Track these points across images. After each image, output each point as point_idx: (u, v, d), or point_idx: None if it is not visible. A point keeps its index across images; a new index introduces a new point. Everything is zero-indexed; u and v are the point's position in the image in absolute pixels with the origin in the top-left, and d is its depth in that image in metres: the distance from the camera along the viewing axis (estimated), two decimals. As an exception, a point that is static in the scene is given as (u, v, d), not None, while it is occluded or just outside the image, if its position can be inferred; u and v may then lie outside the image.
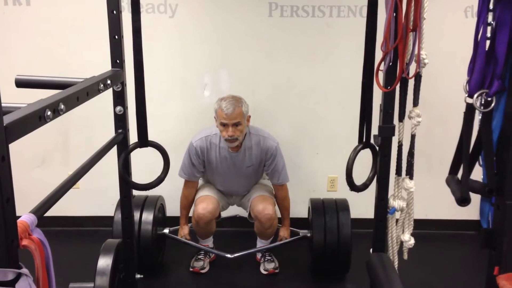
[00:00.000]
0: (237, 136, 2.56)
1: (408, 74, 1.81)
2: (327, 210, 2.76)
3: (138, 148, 2.15)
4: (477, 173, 1.26)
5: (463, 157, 1.24)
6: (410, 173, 1.97)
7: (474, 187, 1.20)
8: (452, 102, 2.64)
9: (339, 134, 3.24)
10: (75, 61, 3.09)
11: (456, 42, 2.93)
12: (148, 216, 2.76)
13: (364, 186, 2.06)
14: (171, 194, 3.00)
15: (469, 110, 1.22)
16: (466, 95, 1.22)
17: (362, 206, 2.73)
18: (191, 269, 2.86)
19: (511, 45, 1.10)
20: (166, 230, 2.88)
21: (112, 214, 2.72)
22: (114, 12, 1.98)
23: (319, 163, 3.32)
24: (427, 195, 3.15)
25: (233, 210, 3.20)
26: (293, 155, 3.24)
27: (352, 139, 2.09)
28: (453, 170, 1.31)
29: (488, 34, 1.16)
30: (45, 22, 3.06)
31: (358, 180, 2.04)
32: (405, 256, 2.07)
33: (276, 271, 2.85)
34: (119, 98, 2.08)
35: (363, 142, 2.02)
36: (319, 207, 2.81)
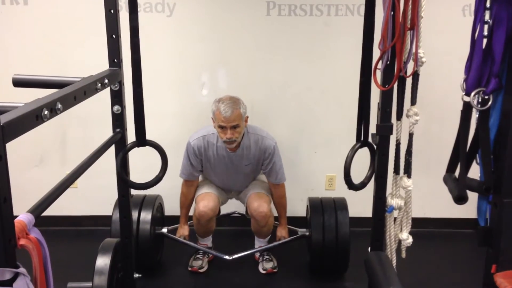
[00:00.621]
0: (236, 138, 2.56)
1: (405, 72, 1.81)
2: (325, 209, 2.77)
3: (136, 147, 2.15)
4: (475, 171, 1.26)
5: (460, 155, 1.25)
6: (408, 172, 1.97)
7: (471, 185, 1.20)
8: (450, 101, 2.64)
9: (337, 132, 3.24)
10: (72, 60, 3.09)
11: (454, 40, 2.93)
12: (146, 216, 2.75)
13: (362, 185, 2.06)
14: (169, 193, 3.00)
15: (466, 109, 1.23)
16: (463, 93, 1.22)
17: (360, 204, 2.73)
18: (189, 269, 2.86)
19: (507, 44, 1.11)
20: (165, 230, 2.88)
21: (110, 214, 2.72)
22: (112, 11, 1.98)
23: (317, 162, 3.33)
24: (425, 193, 3.16)
25: (231, 207, 3.20)
26: (291, 154, 3.24)
27: (350, 138, 2.09)
28: (450, 168, 1.31)
29: (485, 33, 1.16)
30: (43, 21, 3.06)
31: (356, 178, 2.04)
32: (403, 255, 2.07)
33: (275, 270, 2.85)
34: (117, 97, 2.08)
35: (361, 140, 2.03)
36: (317, 206, 2.81)
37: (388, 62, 1.83)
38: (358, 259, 2.37)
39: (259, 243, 2.92)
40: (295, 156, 3.28)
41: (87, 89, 1.51)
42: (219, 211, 2.91)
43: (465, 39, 1.25)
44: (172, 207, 3.06)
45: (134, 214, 2.69)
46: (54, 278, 1.11)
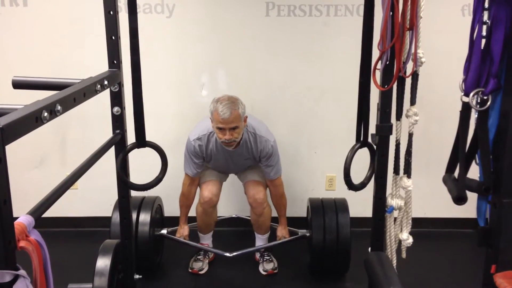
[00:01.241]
0: (235, 139, 2.53)
1: (405, 72, 1.81)
2: (326, 210, 2.77)
3: (136, 149, 2.15)
4: (474, 172, 1.26)
5: (459, 155, 1.25)
6: (408, 172, 1.97)
7: (471, 185, 1.20)
8: (449, 101, 2.64)
9: (336, 133, 3.24)
10: (72, 61, 3.09)
11: (453, 40, 2.93)
12: (145, 217, 2.74)
13: (362, 185, 2.06)
14: (169, 194, 3.00)
15: (465, 109, 1.23)
16: (462, 94, 1.22)
17: (360, 205, 2.74)
18: (189, 270, 2.85)
19: (506, 44, 1.11)
20: (164, 231, 2.87)
21: (110, 215, 2.72)
22: (111, 12, 1.98)
23: (317, 162, 3.33)
24: (425, 193, 3.16)
25: (231, 211, 3.20)
26: (291, 154, 3.24)
27: (349, 138, 2.09)
28: (450, 168, 1.31)
29: (484, 33, 1.16)
30: (42, 23, 3.06)
31: (356, 179, 2.04)
32: (404, 255, 2.07)
33: (275, 271, 2.85)
34: (117, 99, 2.08)
35: (361, 141, 2.03)
36: (318, 206, 2.81)
37: (388, 62, 1.83)
38: (358, 259, 2.37)
39: (260, 242, 2.93)
40: (295, 157, 3.28)
41: (86, 91, 1.51)
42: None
43: (464, 39, 1.25)
44: (172, 208, 3.06)
45: (133, 216, 2.67)
46: (54, 279, 1.11)
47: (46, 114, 1.15)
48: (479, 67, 1.16)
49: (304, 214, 3.08)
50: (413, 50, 1.76)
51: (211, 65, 3.18)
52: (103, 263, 2.07)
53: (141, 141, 2.13)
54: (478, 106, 1.18)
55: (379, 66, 1.86)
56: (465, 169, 1.24)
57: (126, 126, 2.15)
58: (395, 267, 2.01)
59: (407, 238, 2.02)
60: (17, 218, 1.04)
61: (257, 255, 2.95)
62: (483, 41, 1.16)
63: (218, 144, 2.66)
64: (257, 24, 3.10)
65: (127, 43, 2.00)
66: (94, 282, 2.02)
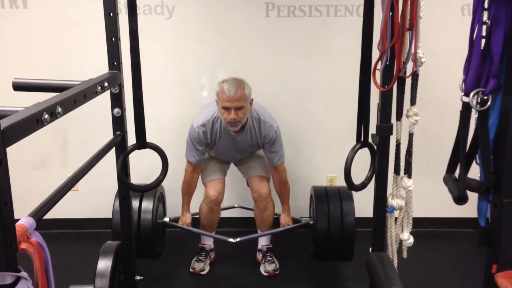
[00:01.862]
0: (240, 119, 2.50)
1: (405, 73, 1.81)
2: (330, 198, 2.75)
3: (137, 150, 2.15)
4: (475, 172, 1.26)
5: (460, 155, 1.25)
6: (408, 172, 1.97)
7: (471, 185, 1.21)
8: (449, 100, 2.64)
9: (337, 133, 3.24)
10: (72, 63, 3.09)
11: (453, 40, 2.93)
12: (148, 205, 2.74)
13: (363, 185, 2.06)
14: (169, 194, 3.00)
15: (465, 109, 1.23)
16: (462, 93, 1.22)
17: (361, 205, 2.73)
18: (191, 270, 2.86)
19: (506, 44, 1.11)
20: (167, 219, 2.88)
21: (111, 216, 2.72)
22: (111, 14, 1.98)
23: (318, 163, 3.33)
24: (426, 193, 3.16)
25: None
26: (292, 154, 3.24)
27: (350, 139, 2.10)
28: (450, 168, 1.31)
29: (484, 33, 1.16)
30: (42, 25, 3.06)
31: (357, 179, 2.04)
32: (405, 255, 2.07)
33: (276, 272, 2.85)
34: (117, 100, 2.08)
35: (361, 141, 2.03)
36: (321, 194, 2.79)
37: (388, 63, 1.84)
38: (359, 259, 2.37)
39: (263, 241, 2.93)
40: (295, 157, 3.28)
41: (87, 93, 1.51)
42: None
43: (464, 39, 1.25)
44: (172, 209, 3.06)
45: (135, 203, 2.68)
46: (56, 281, 1.11)
47: (46, 116, 1.15)
48: (479, 67, 1.16)
49: (305, 214, 3.08)
50: (413, 50, 1.76)
51: (211, 66, 3.18)
52: (104, 264, 2.07)
53: (142, 143, 2.13)
54: (478, 106, 1.18)
55: (379, 66, 1.86)
56: (465, 169, 1.24)
57: (127, 128, 2.16)
58: (396, 267, 2.01)
59: (408, 238, 2.02)
60: (18, 220, 1.05)
61: (259, 255, 2.95)
62: (483, 41, 1.16)
63: (222, 129, 2.65)
64: (257, 25, 3.10)
65: (127, 44, 2.00)
66: (95, 283, 2.02)
